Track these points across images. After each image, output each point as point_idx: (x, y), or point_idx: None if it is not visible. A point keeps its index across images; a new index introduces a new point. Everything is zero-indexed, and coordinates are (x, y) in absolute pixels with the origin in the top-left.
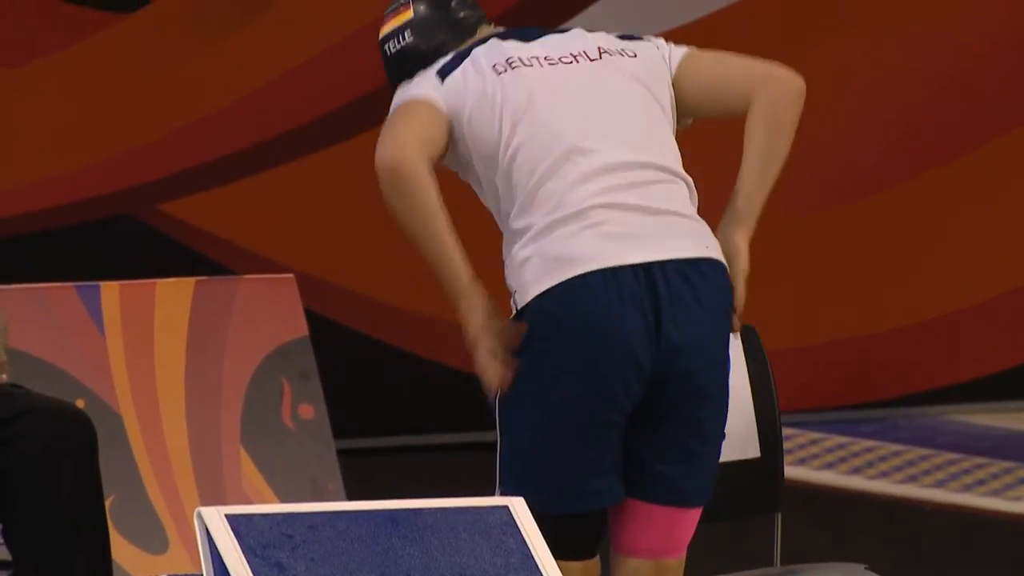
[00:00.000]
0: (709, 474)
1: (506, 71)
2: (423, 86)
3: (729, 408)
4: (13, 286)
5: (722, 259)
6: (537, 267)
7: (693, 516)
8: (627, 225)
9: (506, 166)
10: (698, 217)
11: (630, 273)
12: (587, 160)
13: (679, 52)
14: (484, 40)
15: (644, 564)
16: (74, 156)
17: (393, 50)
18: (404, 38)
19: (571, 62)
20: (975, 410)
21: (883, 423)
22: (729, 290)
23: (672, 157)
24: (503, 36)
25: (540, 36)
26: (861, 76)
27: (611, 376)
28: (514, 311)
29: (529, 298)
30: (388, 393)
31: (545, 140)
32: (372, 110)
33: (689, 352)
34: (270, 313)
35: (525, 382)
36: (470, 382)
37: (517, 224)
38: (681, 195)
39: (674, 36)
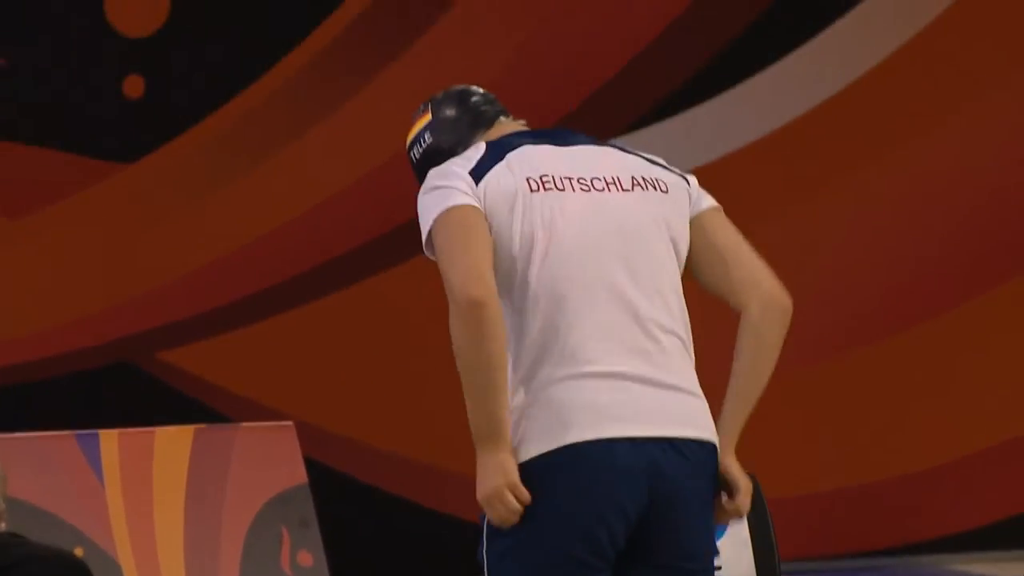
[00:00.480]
0: None
1: (539, 190)
2: (459, 188)
3: (729, 558)
4: (12, 435)
5: (715, 440)
6: (537, 426)
7: None
8: (631, 396)
9: (519, 290)
10: (698, 391)
11: (627, 445)
12: (601, 312)
13: (707, 200)
14: (513, 139)
15: None
16: (73, 305)
17: (417, 155)
18: (425, 140)
19: (603, 190)
20: (968, 560)
21: (884, 572)
22: (716, 475)
23: (679, 311)
24: (535, 138)
25: (573, 143)
26: (860, 227)
27: (598, 532)
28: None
29: (526, 457)
30: (387, 540)
31: (564, 281)
32: (368, 260)
33: (677, 522)
34: (269, 461)
35: (512, 535)
36: (466, 531)
37: (523, 362)
38: (684, 361)
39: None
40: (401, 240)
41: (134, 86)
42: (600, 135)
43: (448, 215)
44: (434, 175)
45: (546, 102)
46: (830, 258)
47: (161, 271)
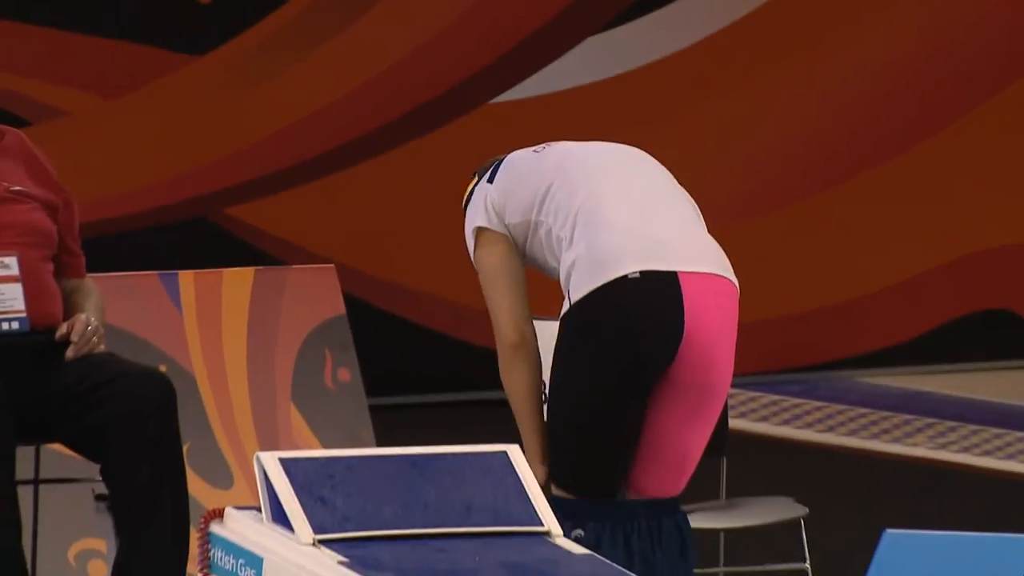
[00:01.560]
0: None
1: (544, 149)
2: (483, 210)
3: None
4: (110, 274)
5: (735, 280)
6: (584, 270)
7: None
8: (664, 236)
9: (544, 206)
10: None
11: (664, 277)
12: (623, 192)
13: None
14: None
15: None
16: (156, 170)
17: (477, 205)
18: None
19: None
20: (879, 374)
21: (807, 384)
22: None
23: (687, 198)
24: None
25: None
26: (798, 105)
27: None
28: (567, 305)
29: (580, 296)
30: (410, 360)
31: (583, 175)
32: (396, 135)
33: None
34: (315, 296)
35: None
36: (478, 352)
37: (565, 241)
38: (700, 224)
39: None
40: (430, 113)
41: None
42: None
43: (486, 258)
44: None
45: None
46: (780, 128)
47: (227, 142)
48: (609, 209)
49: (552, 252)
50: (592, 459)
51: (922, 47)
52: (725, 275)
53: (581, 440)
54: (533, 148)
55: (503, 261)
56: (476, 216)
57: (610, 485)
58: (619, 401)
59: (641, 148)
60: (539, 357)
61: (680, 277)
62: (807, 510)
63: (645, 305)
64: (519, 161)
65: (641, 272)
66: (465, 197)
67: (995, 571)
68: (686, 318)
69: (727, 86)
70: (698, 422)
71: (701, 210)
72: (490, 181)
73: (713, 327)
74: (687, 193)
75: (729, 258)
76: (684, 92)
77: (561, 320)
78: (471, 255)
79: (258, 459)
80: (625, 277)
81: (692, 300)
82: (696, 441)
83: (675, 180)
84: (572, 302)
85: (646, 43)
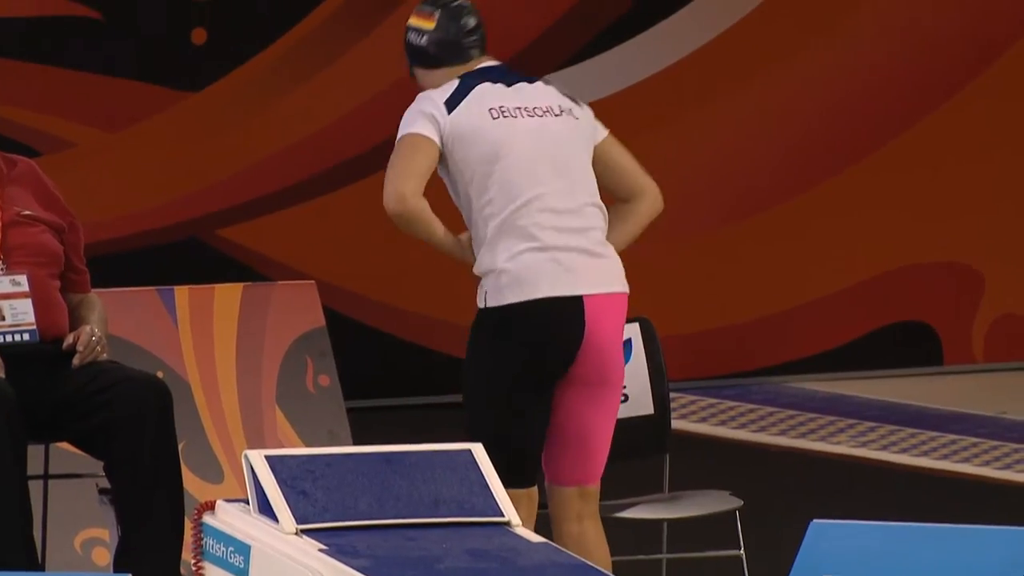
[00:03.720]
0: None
1: (499, 118)
2: (425, 116)
3: (628, 379)
4: (112, 289)
5: (627, 290)
6: (506, 283)
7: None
8: (574, 263)
9: (484, 184)
10: (613, 253)
11: (571, 300)
12: (548, 200)
13: (603, 131)
14: (474, 79)
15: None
16: (155, 195)
17: (410, 42)
18: (421, 40)
19: (543, 115)
20: (807, 379)
21: (741, 388)
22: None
23: (595, 192)
24: (492, 78)
25: (517, 82)
26: (744, 131)
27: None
28: (483, 304)
29: (498, 304)
30: (384, 367)
31: (520, 177)
32: (374, 162)
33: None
34: (297, 309)
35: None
36: (444, 360)
37: (488, 239)
38: (602, 223)
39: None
40: (381, 152)
41: (199, 36)
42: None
43: (404, 141)
44: (421, 99)
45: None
46: (714, 154)
47: (219, 169)
48: (535, 225)
49: (467, 201)
50: (506, 454)
51: (850, 82)
52: (620, 290)
53: (495, 439)
54: (490, 107)
55: (425, 147)
56: (421, 126)
57: (530, 474)
58: (522, 401)
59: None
60: (424, 213)
61: (584, 300)
62: (742, 502)
63: (552, 323)
64: (477, 117)
65: (552, 297)
66: (416, 26)
67: (912, 557)
68: (586, 332)
69: (675, 112)
70: (598, 415)
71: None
72: (448, 111)
73: (607, 338)
74: (599, 201)
75: (669, 274)
76: (641, 115)
77: (477, 320)
78: (399, 133)
79: (246, 456)
80: (538, 300)
81: (592, 317)
82: (600, 432)
83: (594, 184)
84: (488, 305)
85: (606, 76)
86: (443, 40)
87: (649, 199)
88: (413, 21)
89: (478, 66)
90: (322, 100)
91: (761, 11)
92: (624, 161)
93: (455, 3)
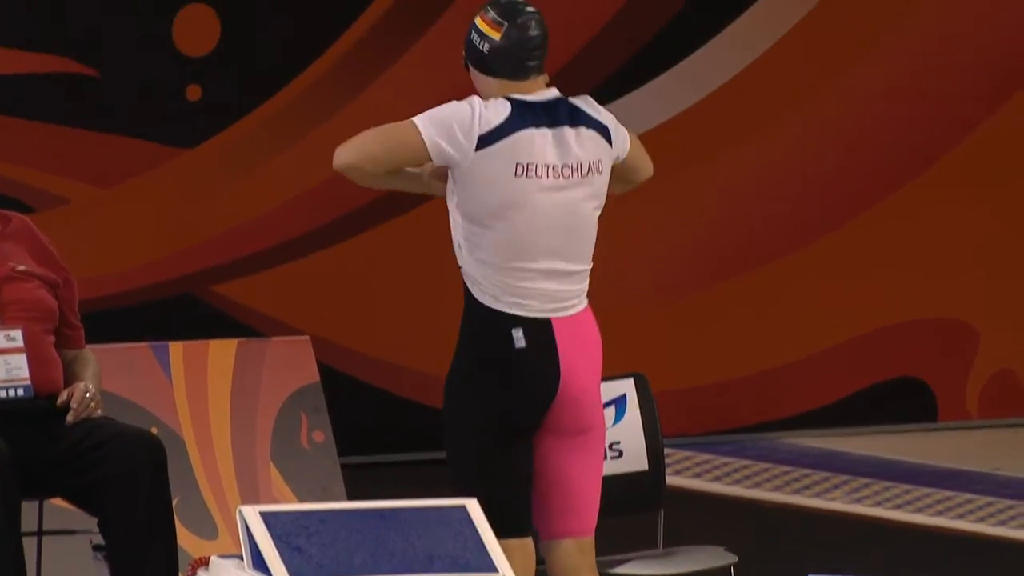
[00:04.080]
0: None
1: (522, 176)
2: (449, 136)
3: (622, 434)
4: (106, 345)
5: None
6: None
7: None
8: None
9: (484, 224)
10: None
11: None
12: (542, 264)
13: (627, 146)
14: (526, 112)
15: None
16: (149, 251)
17: (472, 42)
18: (482, 46)
19: (567, 178)
20: (801, 436)
21: (736, 445)
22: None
23: (590, 254)
24: (538, 120)
25: (562, 124)
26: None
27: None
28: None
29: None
30: (378, 423)
31: (522, 239)
32: (368, 219)
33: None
34: (292, 365)
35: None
36: (439, 416)
37: (477, 268)
38: (585, 290)
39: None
40: (375, 209)
41: (194, 93)
42: None
43: (413, 132)
44: (462, 112)
45: None
46: (707, 213)
47: (213, 226)
48: (523, 290)
49: (459, 218)
50: (493, 505)
51: (841, 140)
52: (596, 350)
53: (479, 492)
54: (518, 162)
55: (416, 152)
56: (436, 136)
57: (521, 524)
58: (500, 451)
59: None
60: (375, 177)
61: (560, 359)
62: (736, 558)
63: (528, 374)
64: (500, 168)
65: (526, 347)
66: (480, 32)
67: None
68: (560, 384)
69: (669, 171)
70: (584, 463)
71: (636, 285)
72: (478, 147)
73: (583, 382)
74: (590, 264)
75: (664, 330)
76: None
77: (454, 371)
78: (418, 116)
79: (240, 512)
80: (513, 350)
81: (567, 370)
82: (588, 480)
83: (592, 246)
84: (466, 356)
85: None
86: (505, 55)
87: (645, 179)
88: (480, 23)
89: (531, 95)
90: (316, 157)
91: (750, 72)
92: (639, 162)
93: (524, 14)
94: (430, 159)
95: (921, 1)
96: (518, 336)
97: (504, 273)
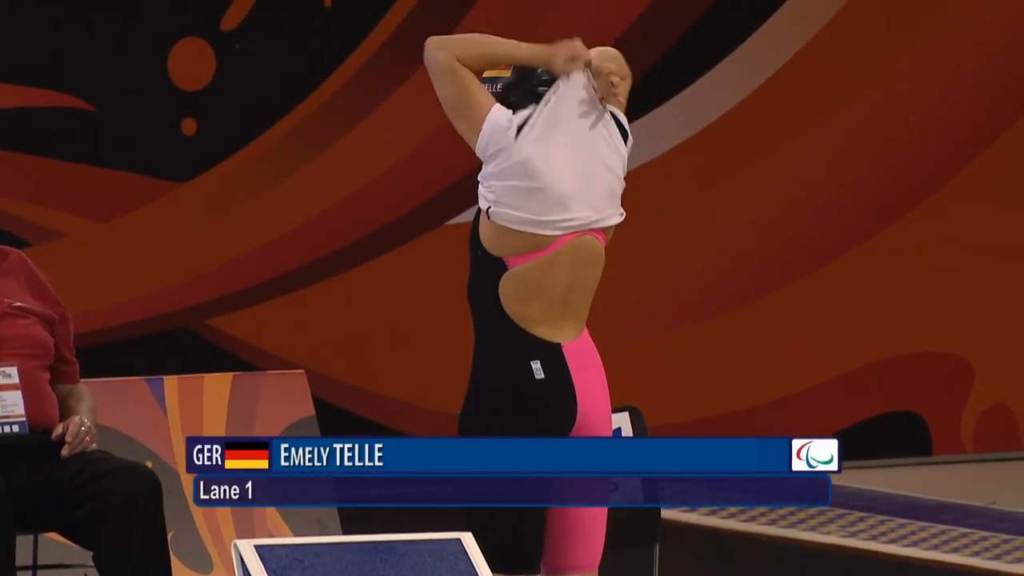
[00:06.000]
0: None
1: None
2: (497, 110)
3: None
4: (101, 379)
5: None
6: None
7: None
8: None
9: (507, 174)
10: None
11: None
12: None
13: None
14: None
15: None
16: (144, 285)
17: (490, 84)
18: (496, 89)
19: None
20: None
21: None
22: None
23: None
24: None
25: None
26: (746, 216)
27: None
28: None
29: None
30: None
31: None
32: (364, 252)
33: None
34: (287, 398)
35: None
36: None
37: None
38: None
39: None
40: (371, 242)
41: (189, 126)
42: None
43: (490, 103)
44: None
45: None
46: (706, 245)
47: (209, 259)
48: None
49: (485, 167)
50: (507, 539)
51: (840, 174)
52: (603, 377)
53: (494, 526)
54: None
55: (489, 100)
56: (486, 97)
57: (531, 562)
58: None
59: None
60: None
61: (575, 384)
62: None
63: (548, 405)
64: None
65: (544, 379)
66: (494, 74)
67: None
68: (578, 413)
69: (669, 202)
70: None
71: (630, 319)
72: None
73: (599, 412)
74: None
75: (659, 363)
76: (635, 206)
77: (470, 401)
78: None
79: (235, 546)
80: (533, 381)
81: (583, 397)
82: (595, 512)
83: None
84: (482, 388)
85: None
86: (519, 86)
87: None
88: (487, 73)
89: None
90: (312, 191)
91: (751, 101)
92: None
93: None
94: (493, 102)
95: (931, 26)
96: (537, 368)
97: (536, 227)
